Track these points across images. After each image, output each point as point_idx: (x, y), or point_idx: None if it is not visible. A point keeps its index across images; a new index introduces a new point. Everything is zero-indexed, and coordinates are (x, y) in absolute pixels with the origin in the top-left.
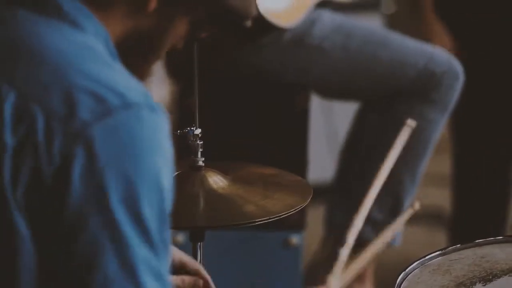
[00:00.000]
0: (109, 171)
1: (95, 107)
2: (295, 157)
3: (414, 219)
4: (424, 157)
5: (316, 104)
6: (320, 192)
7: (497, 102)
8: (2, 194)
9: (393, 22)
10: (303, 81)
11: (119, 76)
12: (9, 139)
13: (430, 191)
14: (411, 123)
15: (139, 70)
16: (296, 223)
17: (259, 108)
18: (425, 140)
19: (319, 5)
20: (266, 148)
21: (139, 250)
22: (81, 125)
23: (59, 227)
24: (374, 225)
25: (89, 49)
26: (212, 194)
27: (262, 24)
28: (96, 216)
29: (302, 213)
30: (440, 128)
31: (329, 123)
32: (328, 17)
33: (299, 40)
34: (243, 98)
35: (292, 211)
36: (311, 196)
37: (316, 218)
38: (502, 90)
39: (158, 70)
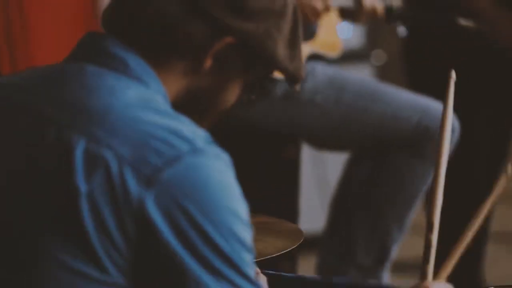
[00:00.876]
0: (183, 214)
1: (165, 153)
2: (286, 206)
3: None
4: (412, 207)
5: (307, 153)
6: (311, 242)
7: None
8: (83, 234)
9: (383, 74)
10: (295, 133)
11: (185, 125)
12: (82, 185)
13: None
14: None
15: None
16: (288, 272)
17: (249, 156)
18: (414, 191)
19: (311, 58)
20: (257, 197)
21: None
22: (153, 170)
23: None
24: (360, 270)
25: (155, 102)
26: None
27: None
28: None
29: (293, 262)
30: (431, 177)
31: (320, 173)
32: (321, 70)
33: (291, 93)
34: (234, 146)
35: (284, 251)
36: (303, 238)
37: (308, 268)
38: None
39: None
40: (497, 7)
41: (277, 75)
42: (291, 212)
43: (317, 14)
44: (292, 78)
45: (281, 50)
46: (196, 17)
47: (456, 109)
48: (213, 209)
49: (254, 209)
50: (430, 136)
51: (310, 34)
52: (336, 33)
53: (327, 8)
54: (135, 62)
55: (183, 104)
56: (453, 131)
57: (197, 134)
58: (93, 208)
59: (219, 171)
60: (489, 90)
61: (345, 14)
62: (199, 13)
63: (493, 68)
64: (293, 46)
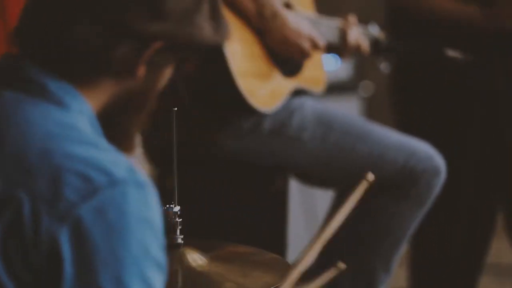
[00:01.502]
0: (98, 251)
1: (81, 187)
2: (275, 239)
3: None
4: (398, 248)
5: (296, 186)
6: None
7: None
8: None
9: (371, 105)
10: (282, 168)
11: (104, 153)
12: None
13: None
14: (370, 177)
15: (126, 139)
16: None
17: (237, 188)
18: (400, 231)
19: (296, 93)
20: (245, 228)
21: None
22: (68, 206)
23: None
24: None
25: (74, 129)
26: (191, 272)
27: (241, 105)
28: None
29: None
30: (417, 219)
31: (309, 205)
32: (309, 107)
33: (278, 129)
34: (222, 177)
35: None
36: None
37: None
38: None
39: (136, 154)
40: None
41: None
42: (279, 244)
43: (304, 55)
44: (221, 43)
45: (207, 30)
46: (120, 38)
47: (442, 150)
48: (125, 249)
49: (243, 241)
50: (416, 178)
51: (295, 69)
52: (321, 67)
53: (315, 47)
54: (56, 85)
55: (116, 108)
56: (439, 173)
57: (117, 163)
58: (3, 250)
59: (138, 203)
60: (477, 130)
61: (330, 49)
62: (122, 33)
63: (481, 105)
64: (215, 15)
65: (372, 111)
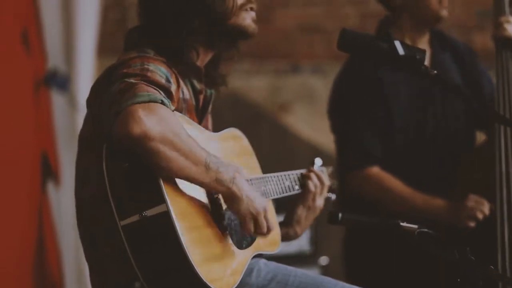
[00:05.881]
0: None
1: None
2: None
3: None
4: None
5: None
6: None
7: None
8: None
9: (328, 274)
10: None
11: None
12: None
13: None
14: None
15: None
16: None
17: None
18: None
19: (254, 257)
20: None
21: None
22: None
23: None
24: None
25: None
26: None
27: None
28: None
29: None
30: None
31: None
32: (263, 266)
33: None
34: None
35: None
36: None
37: None
38: None
39: None
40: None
41: None
42: None
43: (253, 218)
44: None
45: None
46: None
47: None
48: None
49: None
50: None
51: (250, 239)
52: (276, 229)
53: (261, 232)
54: None
55: None
56: None
57: None
58: None
59: None
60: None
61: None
62: None
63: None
64: None
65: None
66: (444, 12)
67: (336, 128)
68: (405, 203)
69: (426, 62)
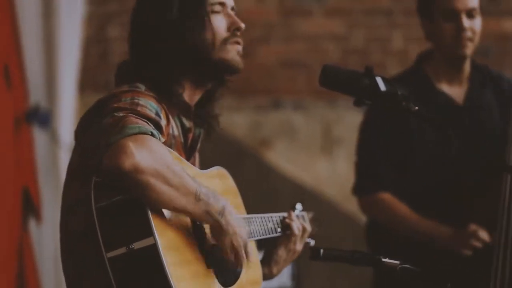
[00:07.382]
0: None
1: None
2: None
3: None
4: None
5: None
6: None
7: None
8: None
9: None
10: None
11: None
12: None
13: None
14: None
15: None
16: None
17: None
18: None
19: None
20: None
21: None
22: None
23: None
24: None
25: None
26: None
27: None
28: None
29: None
30: None
31: None
32: None
33: None
34: None
35: None
36: None
37: None
38: None
39: None
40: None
41: None
42: None
43: (234, 250)
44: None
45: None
46: None
47: None
48: None
49: None
50: None
51: (233, 277)
52: (258, 268)
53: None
54: None
55: None
56: None
57: None
58: None
59: None
60: None
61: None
62: None
63: None
64: None
65: None
66: (463, 51)
67: (356, 152)
68: (411, 228)
69: (460, 98)
